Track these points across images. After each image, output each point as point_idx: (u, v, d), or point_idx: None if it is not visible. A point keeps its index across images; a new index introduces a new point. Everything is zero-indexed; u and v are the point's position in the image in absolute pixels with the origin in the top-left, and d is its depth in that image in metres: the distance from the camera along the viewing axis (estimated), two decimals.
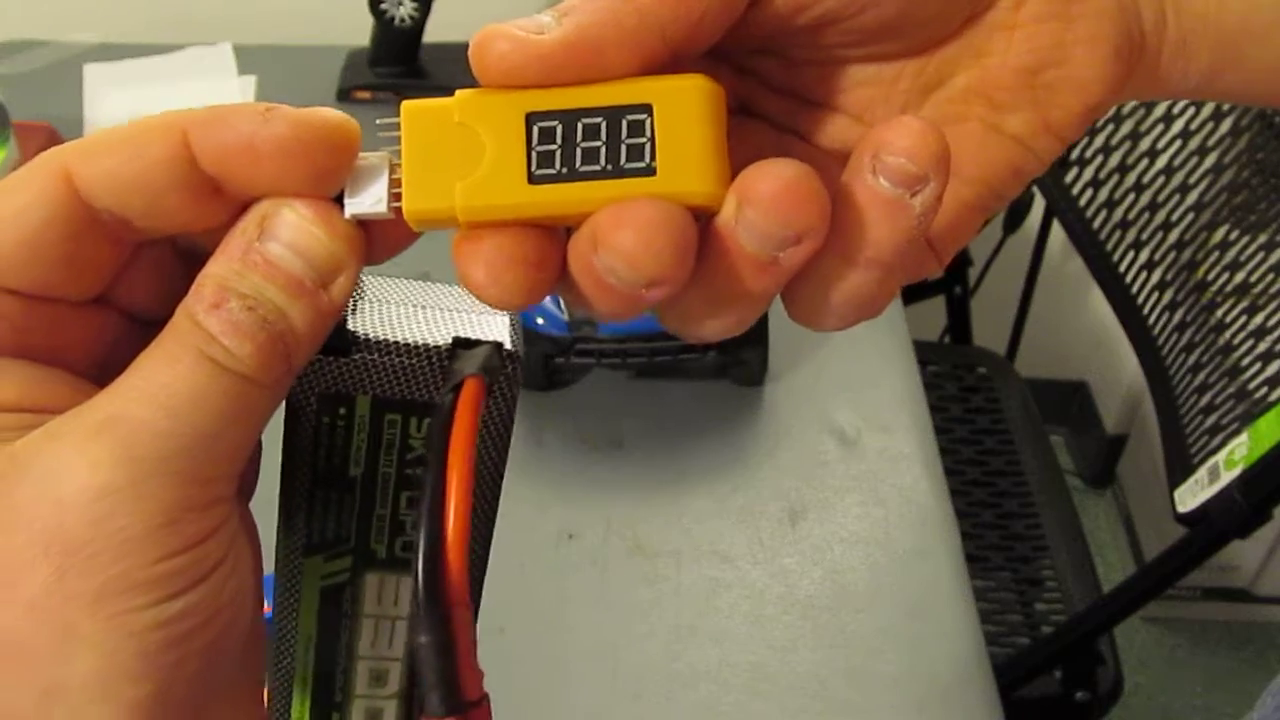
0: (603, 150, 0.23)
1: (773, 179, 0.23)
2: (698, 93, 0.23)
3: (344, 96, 1.15)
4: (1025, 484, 1.23)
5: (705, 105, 0.23)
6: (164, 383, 0.22)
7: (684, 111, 0.23)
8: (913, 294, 1.37)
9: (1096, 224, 1.19)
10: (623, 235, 0.22)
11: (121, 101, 1.15)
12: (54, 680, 0.21)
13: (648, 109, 0.23)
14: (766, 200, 0.23)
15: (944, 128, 0.24)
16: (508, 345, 0.26)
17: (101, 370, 0.24)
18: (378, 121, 0.24)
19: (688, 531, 0.79)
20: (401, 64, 1.16)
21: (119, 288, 0.25)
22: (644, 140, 0.23)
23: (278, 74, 1.18)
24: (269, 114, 0.23)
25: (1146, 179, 1.13)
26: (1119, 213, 1.17)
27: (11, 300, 0.23)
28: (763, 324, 0.85)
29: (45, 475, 0.21)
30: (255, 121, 0.23)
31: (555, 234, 0.24)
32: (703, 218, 0.24)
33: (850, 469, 0.83)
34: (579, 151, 0.23)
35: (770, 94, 0.29)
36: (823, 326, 0.26)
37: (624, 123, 0.23)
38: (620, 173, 0.23)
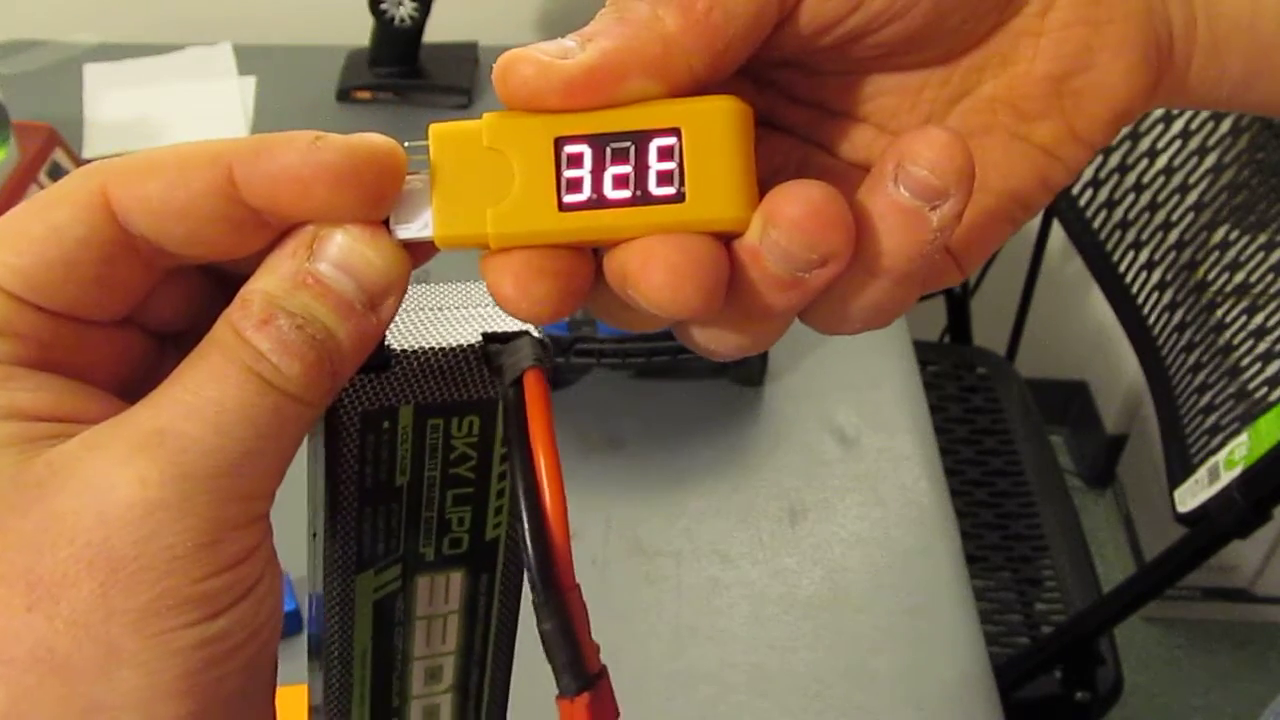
0: (631, 176, 0.23)
1: (799, 202, 0.23)
2: (726, 115, 0.23)
3: (344, 97, 1.15)
4: (1025, 484, 1.23)
5: (734, 127, 0.23)
6: (212, 398, 0.22)
7: (712, 134, 0.23)
8: None
9: (1096, 224, 1.19)
10: (652, 278, 0.23)
11: (121, 101, 1.15)
12: (95, 698, 0.21)
13: (676, 132, 0.23)
14: (792, 223, 0.23)
15: (970, 138, 0.24)
16: (534, 333, 0.26)
17: (121, 387, 0.24)
18: (406, 145, 0.24)
19: (688, 531, 0.79)
20: (401, 64, 1.16)
21: (145, 307, 0.25)
22: (672, 165, 0.23)
23: (278, 74, 1.18)
24: (318, 143, 0.23)
25: (1146, 179, 1.13)
26: (1119, 213, 1.17)
27: (40, 317, 0.23)
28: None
29: (88, 487, 0.21)
30: (303, 151, 0.23)
31: (583, 252, 0.24)
32: (729, 239, 0.24)
33: (850, 469, 0.83)
34: (608, 177, 0.23)
35: (792, 105, 0.29)
36: (836, 332, 0.26)
37: (652, 147, 0.23)
38: (650, 199, 0.23)
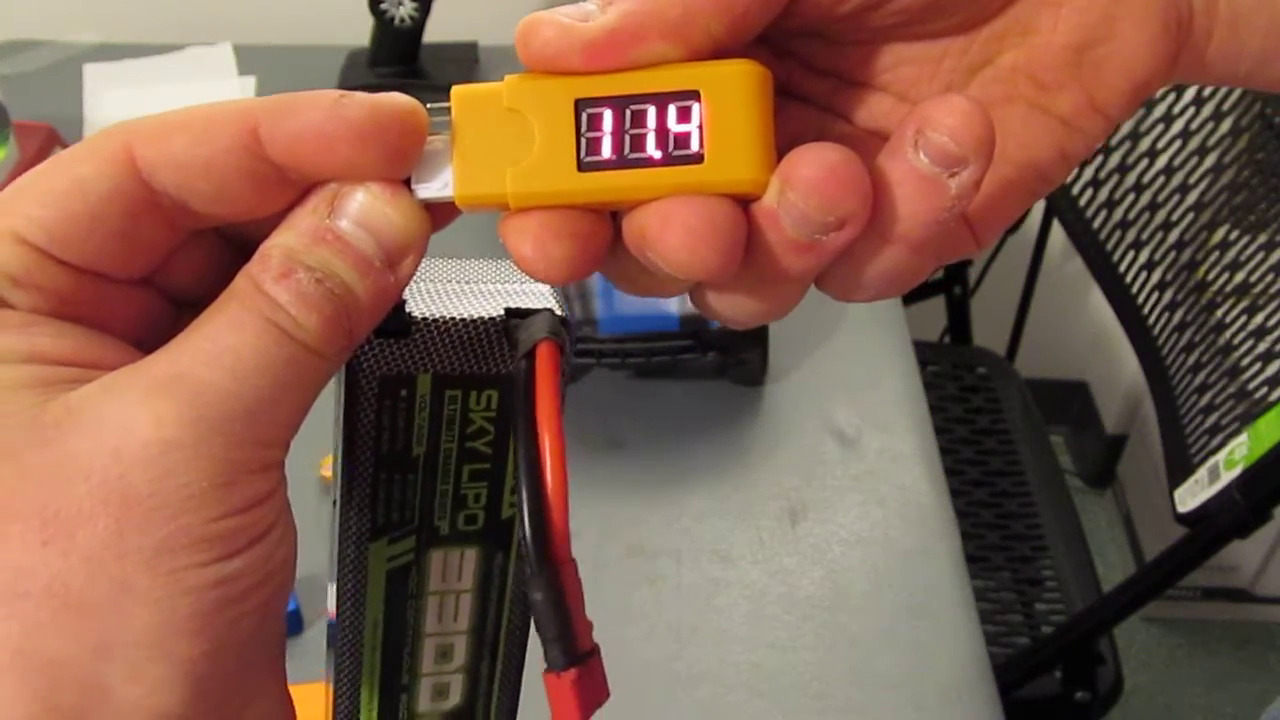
0: (651, 137, 0.23)
1: (816, 164, 0.23)
2: (746, 78, 0.23)
3: None
4: (1025, 484, 1.23)
5: (753, 91, 0.23)
6: (229, 345, 0.22)
7: (732, 97, 0.23)
8: (913, 294, 1.37)
9: (1096, 224, 1.19)
10: (670, 239, 0.23)
11: (121, 101, 1.15)
12: (109, 634, 0.21)
13: (695, 95, 0.23)
14: (810, 185, 0.23)
15: (990, 107, 0.24)
16: (556, 310, 0.26)
17: (138, 347, 0.24)
18: (428, 106, 0.24)
19: (688, 531, 0.79)
20: (401, 64, 1.16)
21: (165, 270, 0.25)
22: (691, 128, 0.23)
23: (278, 74, 1.18)
24: (342, 100, 0.23)
25: (1146, 179, 1.13)
26: (1119, 213, 1.17)
27: (62, 271, 0.23)
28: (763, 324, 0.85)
29: (104, 427, 0.21)
30: (328, 109, 0.23)
31: (602, 214, 0.24)
32: (747, 201, 0.24)
33: (850, 469, 0.83)
34: (627, 139, 0.23)
35: (811, 75, 0.29)
36: (851, 299, 0.26)
37: (672, 109, 0.23)
38: (668, 160, 0.23)
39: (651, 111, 0.23)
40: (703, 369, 0.88)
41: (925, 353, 1.16)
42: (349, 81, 1.16)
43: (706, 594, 0.75)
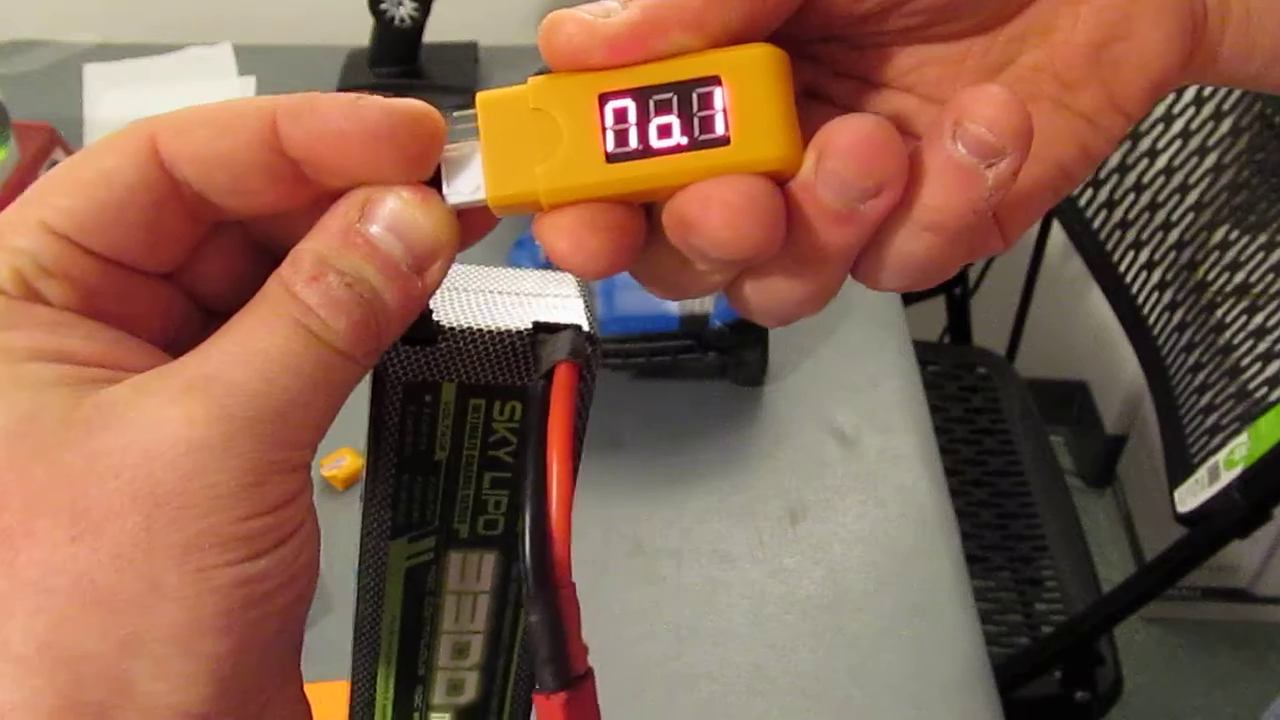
0: (676, 125, 0.24)
1: (852, 131, 0.23)
2: (764, 60, 0.24)
3: None
4: (1025, 484, 1.23)
5: (772, 72, 0.24)
6: (259, 348, 0.22)
7: (752, 79, 0.24)
8: (913, 294, 1.37)
9: (1096, 224, 1.20)
10: (711, 218, 0.23)
11: (121, 101, 1.15)
12: (135, 630, 0.21)
13: (716, 80, 0.24)
14: (847, 150, 0.23)
15: None
16: (585, 327, 0.27)
17: (166, 349, 0.25)
18: (454, 114, 0.25)
19: (688, 531, 0.79)
20: (401, 64, 1.16)
21: (190, 269, 0.25)
22: (715, 111, 0.24)
23: (278, 74, 1.18)
24: (359, 101, 0.24)
25: (1146, 179, 1.14)
26: (1119, 213, 1.17)
27: (89, 261, 0.23)
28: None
29: (135, 425, 0.21)
30: (345, 108, 0.24)
31: (635, 207, 0.25)
32: (780, 181, 0.24)
33: (850, 469, 0.83)
34: (653, 128, 0.24)
35: (835, 78, 0.29)
36: (880, 285, 0.26)
37: (694, 96, 0.24)
38: (695, 145, 0.24)
39: (675, 99, 0.24)
40: (703, 369, 0.88)
41: (925, 353, 1.16)
42: (349, 82, 1.16)
43: (706, 594, 0.75)
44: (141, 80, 1.18)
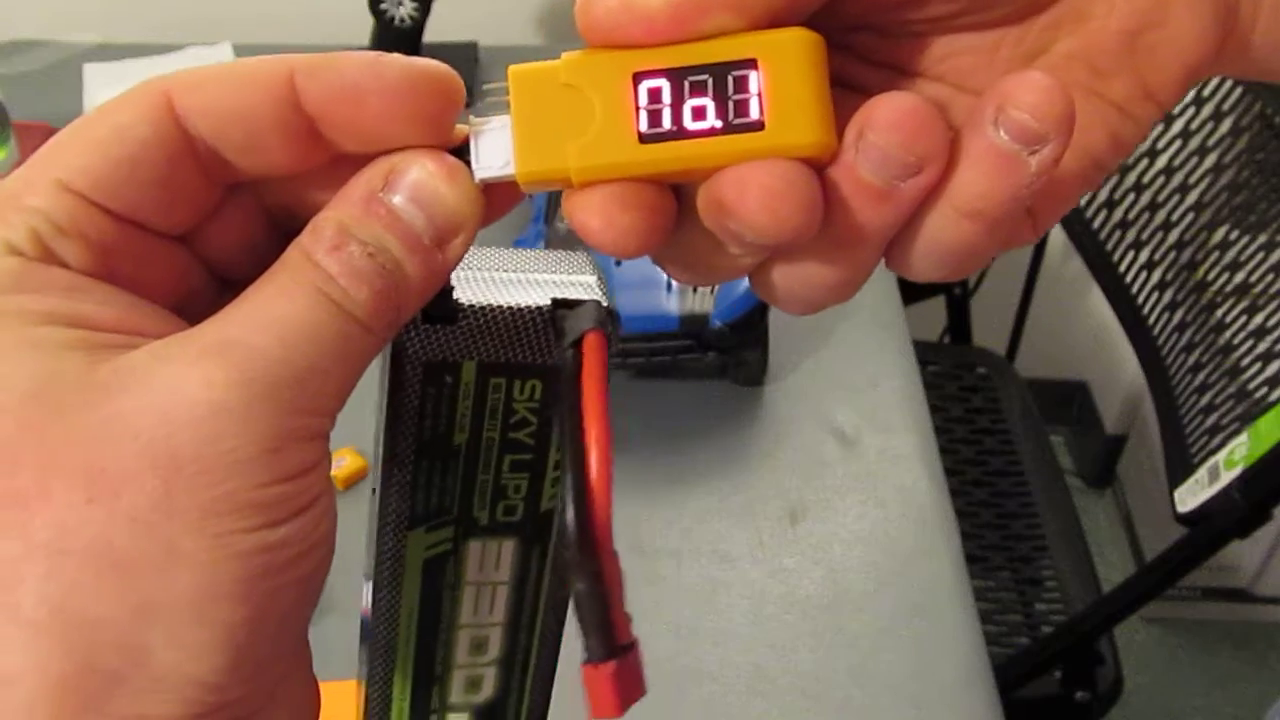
0: (711, 107, 0.23)
1: (894, 108, 0.23)
2: (800, 44, 0.23)
3: None
4: (1025, 484, 1.23)
5: (808, 56, 0.23)
6: (279, 315, 0.22)
7: (787, 63, 0.23)
8: (913, 294, 1.37)
9: (1096, 224, 1.20)
10: (749, 202, 0.23)
11: None
12: (151, 595, 0.20)
13: (752, 63, 0.23)
14: (890, 124, 0.23)
15: None
16: (602, 301, 0.26)
17: (179, 316, 0.24)
18: (485, 86, 0.25)
19: (688, 531, 0.79)
20: None
21: (204, 234, 0.25)
22: (750, 95, 0.23)
23: None
24: (380, 58, 0.23)
25: (1146, 179, 1.14)
26: (1119, 213, 1.17)
27: (105, 220, 0.23)
28: (763, 324, 0.85)
29: (154, 388, 0.21)
30: (365, 64, 0.23)
31: (665, 188, 0.24)
32: (811, 165, 0.24)
33: (850, 469, 0.83)
34: (687, 109, 0.23)
35: (868, 67, 0.29)
36: (914, 273, 0.26)
37: (729, 78, 0.23)
38: (729, 129, 0.23)
39: (710, 81, 0.23)
40: (703, 369, 0.88)
41: (925, 353, 1.16)
42: None
43: (706, 594, 0.75)
44: (141, 80, 1.18)
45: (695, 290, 0.83)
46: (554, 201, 0.88)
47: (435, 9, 1.13)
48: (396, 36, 1.14)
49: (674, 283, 0.82)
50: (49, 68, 1.20)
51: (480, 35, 1.22)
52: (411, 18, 1.13)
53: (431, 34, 1.15)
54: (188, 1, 1.32)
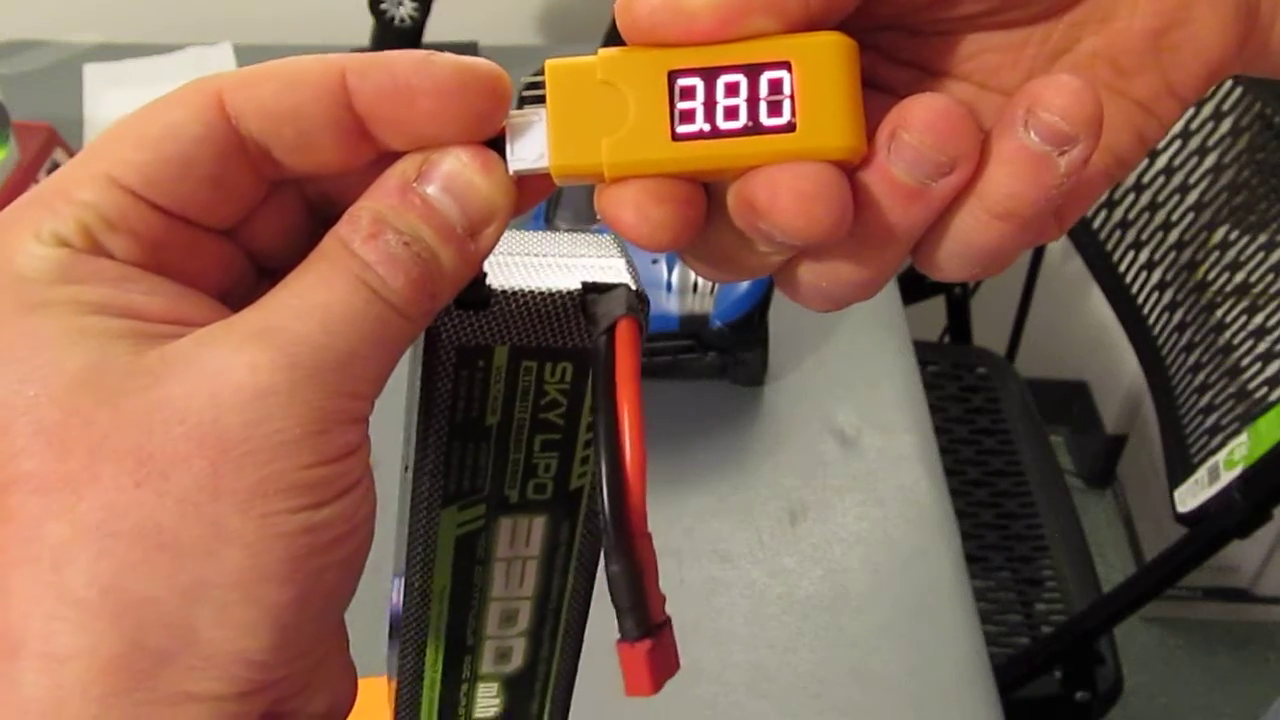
0: (744, 107, 0.24)
1: (928, 108, 0.24)
2: (835, 49, 0.24)
3: None
4: (1025, 484, 1.23)
5: (842, 61, 0.24)
6: (319, 301, 0.23)
7: (821, 67, 0.24)
8: (913, 294, 1.37)
9: (1096, 224, 1.20)
10: (782, 203, 0.23)
11: (121, 101, 1.15)
12: (200, 576, 0.21)
13: (786, 66, 0.24)
14: (924, 124, 0.24)
15: None
16: (633, 286, 0.27)
17: (225, 304, 0.25)
18: (522, 80, 0.25)
19: (688, 531, 0.79)
20: None
21: (248, 227, 0.25)
22: (783, 97, 0.24)
23: None
24: (431, 57, 0.24)
25: (1146, 179, 1.14)
26: (1119, 213, 1.17)
27: (155, 216, 0.23)
28: (763, 324, 0.85)
29: (200, 373, 0.21)
30: (416, 63, 0.24)
31: (696, 184, 0.25)
32: (842, 169, 0.24)
33: (850, 469, 0.83)
34: (720, 109, 0.24)
35: (894, 66, 0.29)
36: (942, 273, 0.27)
37: (763, 80, 0.24)
38: (761, 130, 0.24)
39: (744, 82, 0.24)
40: (703, 369, 0.88)
41: (925, 353, 1.16)
42: None
43: (706, 594, 0.75)
44: (141, 80, 1.18)
45: (695, 290, 0.83)
46: (554, 201, 0.88)
47: (435, 9, 1.13)
48: (396, 36, 1.14)
49: (674, 283, 0.82)
50: (49, 68, 1.20)
51: (480, 35, 1.22)
52: (411, 18, 1.13)
53: (431, 34, 1.15)
54: (188, 2, 1.32)
